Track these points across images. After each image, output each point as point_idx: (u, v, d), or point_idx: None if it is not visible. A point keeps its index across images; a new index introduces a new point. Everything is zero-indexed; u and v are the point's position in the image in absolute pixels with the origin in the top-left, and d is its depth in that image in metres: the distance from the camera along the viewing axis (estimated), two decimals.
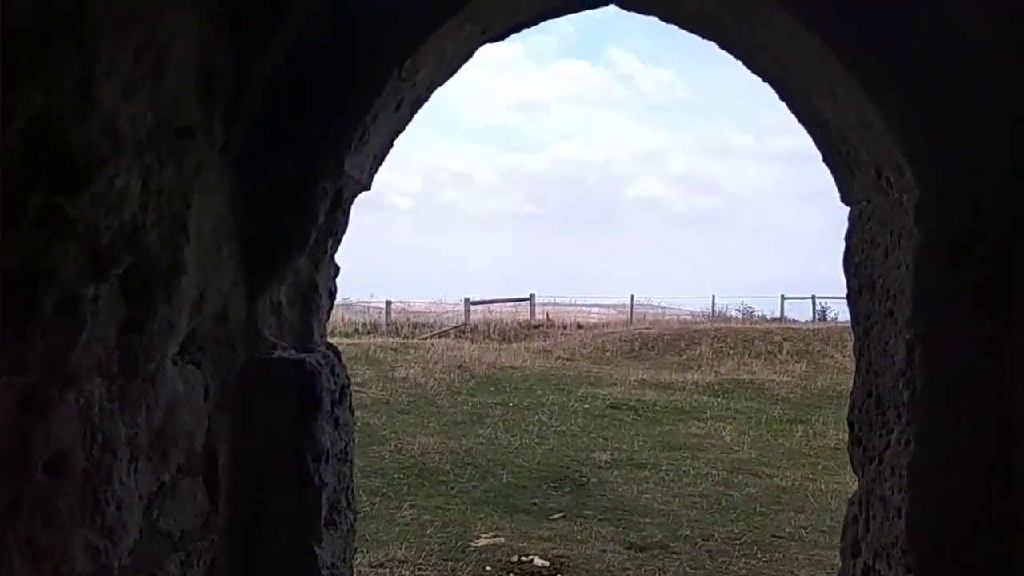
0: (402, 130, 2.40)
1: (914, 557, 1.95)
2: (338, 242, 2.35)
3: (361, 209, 2.43)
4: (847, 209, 2.45)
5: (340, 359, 2.31)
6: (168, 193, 1.58)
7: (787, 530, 7.60)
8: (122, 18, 1.31)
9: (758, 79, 2.38)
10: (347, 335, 21.23)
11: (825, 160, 2.41)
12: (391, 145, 2.42)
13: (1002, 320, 1.94)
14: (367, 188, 2.41)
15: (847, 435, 2.44)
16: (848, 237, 2.40)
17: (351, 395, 2.39)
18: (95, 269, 1.40)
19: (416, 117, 2.41)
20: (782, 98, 2.36)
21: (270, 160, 2.02)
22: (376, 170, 2.42)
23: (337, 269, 2.43)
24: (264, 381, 2.03)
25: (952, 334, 1.97)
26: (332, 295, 2.39)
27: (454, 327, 23.96)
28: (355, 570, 6.16)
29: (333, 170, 2.09)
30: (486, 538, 7.22)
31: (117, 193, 1.41)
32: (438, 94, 2.38)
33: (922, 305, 1.98)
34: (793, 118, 2.44)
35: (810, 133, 2.41)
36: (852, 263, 2.35)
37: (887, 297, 2.12)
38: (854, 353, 2.37)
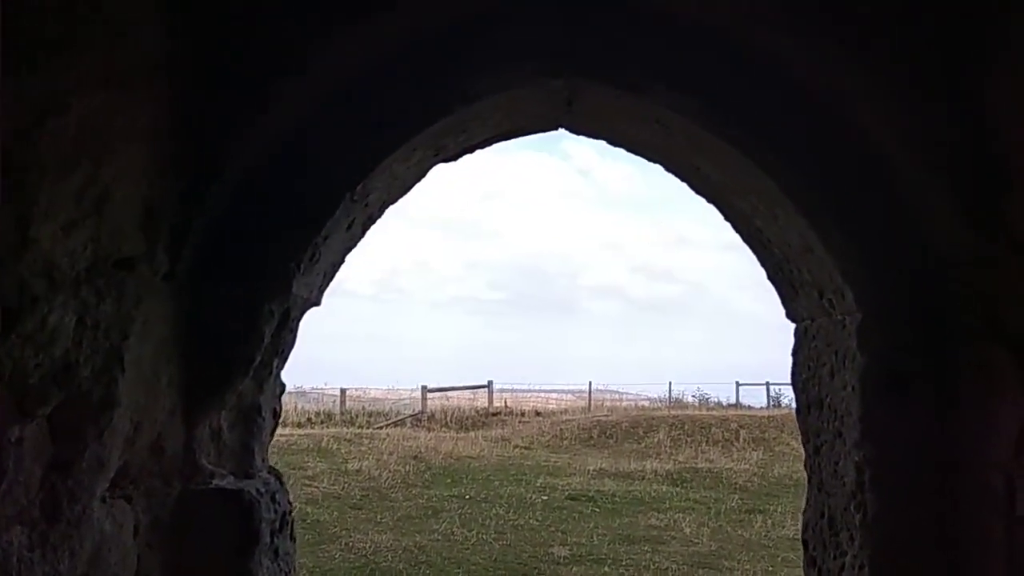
0: (354, 247, 2.40)
1: None
2: (284, 360, 2.30)
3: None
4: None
5: (282, 483, 2.23)
6: (105, 327, 1.54)
7: None
8: (67, 159, 1.30)
9: None
10: (299, 424, 20.72)
11: (770, 278, 2.47)
12: (343, 261, 2.41)
13: (949, 441, 1.96)
14: (316, 304, 2.38)
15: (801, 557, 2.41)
16: (795, 353, 2.44)
17: (293, 522, 2.30)
18: (21, 410, 1.34)
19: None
20: (727, 219, 2.43)
21: (216, 285, 1.99)
22: (326, 286, 2.40)
23: (282, 387, 2.37)
24: (200, 514, 1.94)
25: (901, 457, 1.98)
26: (276, 414, 2.33)
27: (410, 415, 23.59)
28: None
29: (280, 292, 2.06)
30: None
31: (50, 331, 1.36)
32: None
33: (870, 428, 2.00)
34: None
35: (754, 252, 2.47)
36: (800, 379, 2.38)
37: (835, 417, 2.14)
38: (805, 469, 2.37)
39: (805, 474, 2.46)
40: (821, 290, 2.17)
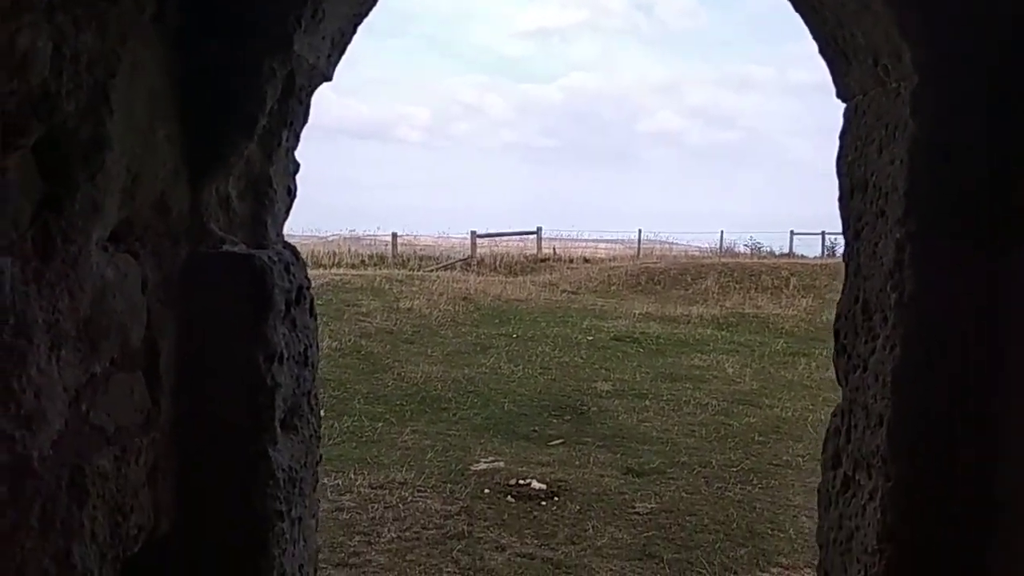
0: (365, 15, 2.23)
1: (895, 466, 1.86)
2: (296, 135, 2.21)
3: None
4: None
5: (298, 258, 2.20)
6: (87, 61, 1.44)
7: (784, 458, 7.64)
8: None
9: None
10: (353, 266, 21.26)
11: (821, 51, 2.23)
12: (353, 31, 2.26)
13: (1000, 216, 1.79)
14: (327, 78, 2.25)
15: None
16: (842, 135, 2.24)
17: (312, 298, 2.29)
18: (1, 139, 1.28)
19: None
20: None
21: (211, 39, 1.87)
22: (337, 59, 2.26)
23: (297, 166, 2.30)
24: (210, 276, 1.92)
25: (946, 232, 1.83)
26: (292, 193, 2.26)
27: (460, 260, 23.91)
28: (357, 490, 6.30)
29: (281, 48, 1.93)
30: (485, 462, 7.30)
31: (20, 54, 1.27)
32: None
33: (915, 202, 1.84)
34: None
35: (806, 22, 2.23)
36: (845, 163, 2.20)
37: (879, 195, 1.98)
38: (844, 259, 2.24)
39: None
40: (876, 55, 1.95)
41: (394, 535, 5.54)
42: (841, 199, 2.24)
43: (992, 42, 1.77)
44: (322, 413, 9.14)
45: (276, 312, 1.99)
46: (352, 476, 6.62)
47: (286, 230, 2.37)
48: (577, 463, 7.29)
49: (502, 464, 7.18)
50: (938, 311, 1.84)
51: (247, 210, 2.06)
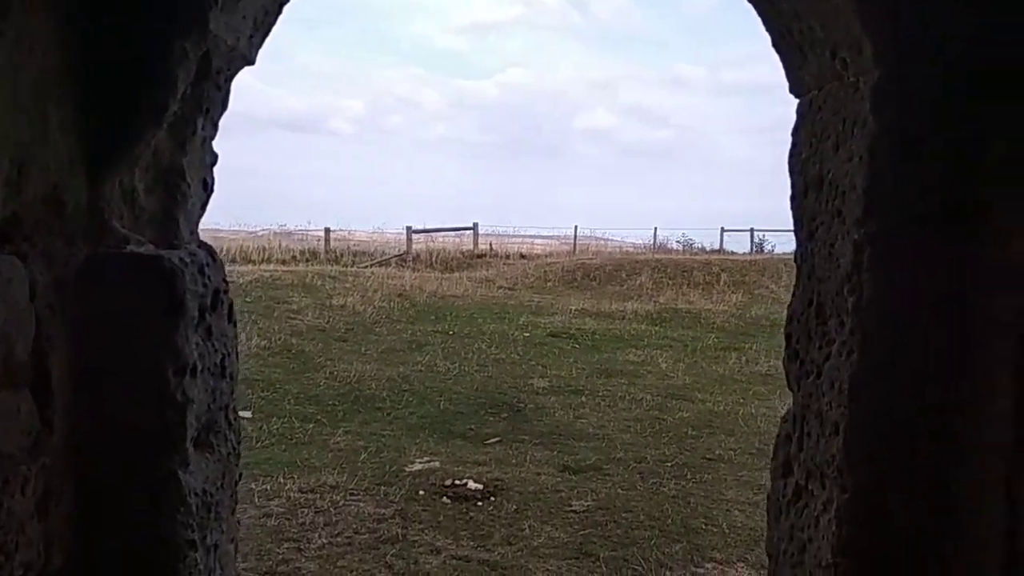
0: None
1: (851, 476, 1.79)
2: (213, 123, 2.01)
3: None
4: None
5: (215, 259, 2.00)
6: None
7: (717, 452, 7.72)
8: None
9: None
10: (283, 262, 20.71)
11: (775, 44, 2.15)
12: (278, 11, 2.06)
13: (965, 212, 1.74)
14: (249, 61, 2.05)
15: (783, 353, 2.26)
16: (796, 131, 2.17)
17: (231, 303, 2.09)
18: None
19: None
20: None
21: (116, 10, 1.66)
22: (260, 41, 2.06)
23: (215, 157, 2.09)
24: (111, 280, 1.71)
25: (907, 233, 1.76)
26: (208, 187, 2.06)
27: (395, 256, 23.59)
28: (286, 494, 6.06)
29: (195, 27, 1.73)
30: (420, 463, 7.14)
31: None
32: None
33: (874, 201, 1.77)
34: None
35: (761, 14, 2.14)
36: (798, 160, 2.12)
37: (836, 194, 1.91)
38: (795, 261, 2.16)
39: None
40: (835, 48, 1.87)
41: (325, 541, 5.34)
42: (794, 198, 2.16)
43: (952, 36, 1.71)
44: (250, 415, 8.78)
45: (188, 319, 1.79)
46: (281, 480, 6.37)
47: (211, 225, 2.17)
48: (514, 462, 7.20)
49: (438, 464, 7.04)
50: (898, 315, 1.78)
51: (156, 205, 1.85)
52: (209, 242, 2.08)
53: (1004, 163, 1.69)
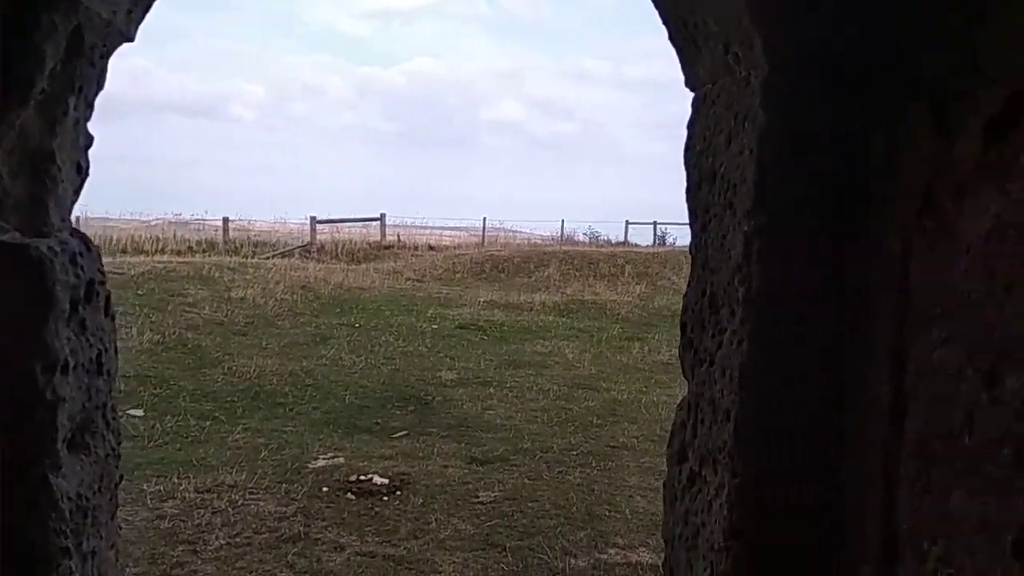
0: None
1: (741, 461, 1.84)
2: (88, 103, 1.87)
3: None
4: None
5: (90, 248, 1.86)
6: None
7: (621, 440, 7.91)
8: None
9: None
10: (179, 253, 19.87)
11: (671, 38, 2.19)
12: None
13: (850, 205, 1.81)
14: (128, 38, 1.93)
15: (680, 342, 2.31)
16: (691, 125, 2.21)
17: (109, 295, 1.96)
18: None
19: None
20: None
21: None
22: (140, 17, 1.93)
23: (90, 139, 1.95)
24: None
25: (795, 224, 1.83)
26: (83, 171, 1.92)
27: (299, 247, 22.99)
28: (181, 495, 5.81)
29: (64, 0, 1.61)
30: (324, 459, 7.01)
31: None
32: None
33: (763, 194, 1.82)
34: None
35: (658, 7, 2.17)
36: (693, 153, 2.17)
37: (727, 187, 1.96)
38: (690, 252, 2.21)
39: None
40: (727, 43, 1.91)
41: (223, 542, 5.16)
42: (689, 190, 2.21)
43: (840, 34, 1.78)
44: (141, 413, 8.39)
45: (59, 312, 1.66)
46: (176, 480, 6.12)
47: (100, 214, 2.02)
48: (421, 455, 7.16)
49: (342, 460, 6.92)
50: (786, 306, 1.84)
51: (22, 190, 1.71)
52: (98, 232, 1.94)
53: (885, 158, 1.77)
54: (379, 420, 8.36)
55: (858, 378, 1.80)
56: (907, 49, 1.70)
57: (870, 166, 1.76)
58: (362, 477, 6.49)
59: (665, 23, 2.15)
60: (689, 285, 2.19)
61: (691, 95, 2.26)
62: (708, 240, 2.08)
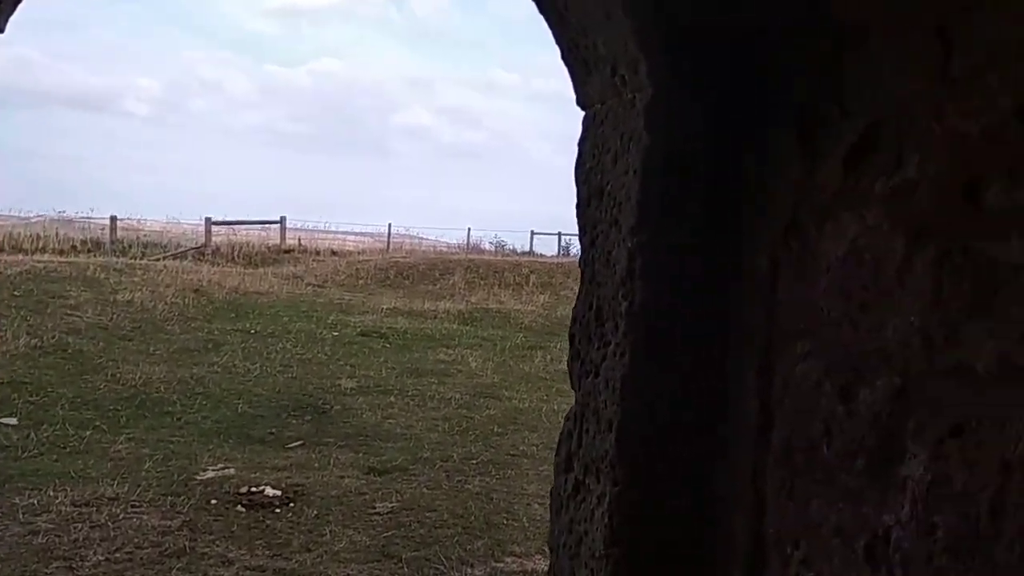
0: None
1: (622, 470, 1.90)
2: None
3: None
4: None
5: None
6: None
7: (521, 448, 7.98)
8: None
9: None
10: (61, 252, 18.79)
11: (564, 58, 2.24)
12: None
13: (725, 225, 1.90)
14: None
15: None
16: (581, 143, 2.27)
17: None
18: None
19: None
20: None
21: None
22: (9, 9, 1.82)
23: None
24: None
25: (673, 245, 1.90)
26: None
27: (193, 248, 22.11)
28: (57, 508, 5.46)
29: None
30: (213, 470, 6.77)
31: None
32: None
33: (646, 213, 1.89)
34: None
35: (551, 27, 2.22)
36: (583, 170, 2.23)
37: (614, 204, 2.02)
38: (580, 266, 2.27)
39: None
40: (615, 65, 1.98)
41: (101, 558, 4.90)
42: (578, 206, 2.26)
43: (722, 64, 1.87)
44: (15, 422, 7.88)
45: None
46: (51, 493, 5.78)
47: None
48: (316, 465, 7.00)
49: (233, 471, 6.69)
50: (666, 320, 1.91)
51: None
52: None
53: (756, 180, 1.87)
54: (273, 430, 8.13)
55: (731, 390, 1.89)
56: (779, 75, 1.80)
57: (743, 187, 1.86)
58: (253, 489, 6.29)
59: (558, 43, 2.21)
60: (578, 298, 2.25)
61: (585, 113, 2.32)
62: (596, 255, 2.13)
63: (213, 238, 22.73)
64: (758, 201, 1.83)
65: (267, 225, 26.02)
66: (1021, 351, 1.20)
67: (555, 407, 9.57)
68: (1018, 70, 1.25)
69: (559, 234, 31.08)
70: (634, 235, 1.90)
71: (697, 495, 1.96)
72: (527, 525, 5.92)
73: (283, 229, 25.70)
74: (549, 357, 12.71)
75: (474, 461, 7.39)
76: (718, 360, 1.95)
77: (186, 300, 13.90)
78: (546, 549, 5.54)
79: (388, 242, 28.51)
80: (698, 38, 1.86)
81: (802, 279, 1.66)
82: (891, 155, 1.45)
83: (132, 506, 5.76)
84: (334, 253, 23.64)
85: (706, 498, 1.94)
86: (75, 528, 5.27)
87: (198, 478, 6.47)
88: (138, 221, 26.65)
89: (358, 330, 13.42)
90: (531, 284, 19.27)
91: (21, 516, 5.37)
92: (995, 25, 1.32)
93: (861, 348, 1.50)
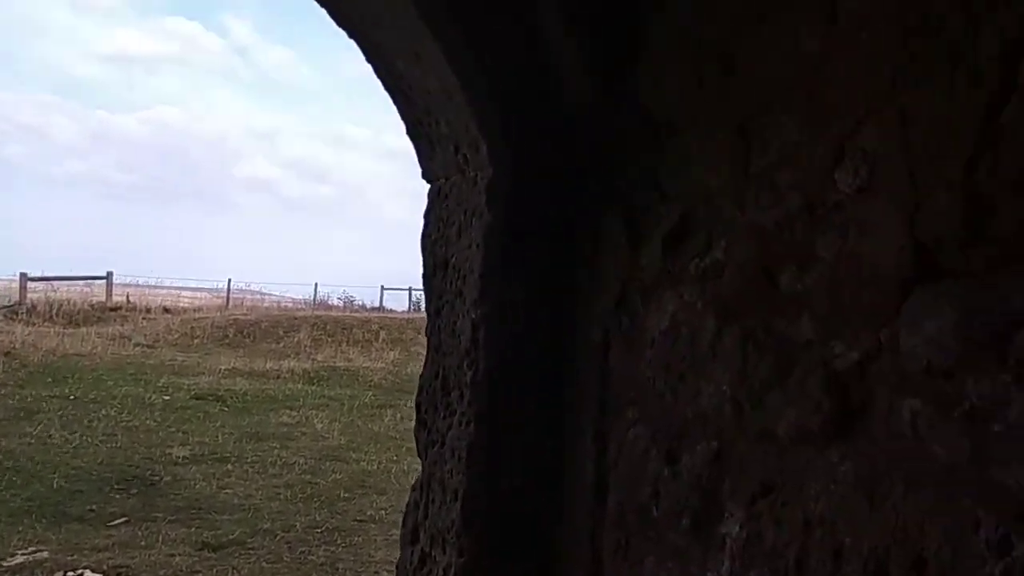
0: None
1: (467, 540, 1.92)
2: None
3: None
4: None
5: None
6: None
7: (368, 513, 7.77)
8: None
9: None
10: None
11: (409, 134, 2.31)
12: None
13: (562, 299, 2.02)
14: None
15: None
16: (427, 215, 2.33)
17: None
18: None
19: None
20: (368, 58, 2.19)
21: None
22: None
23: None
24: None
25: (515, 317, 1.99)
26: None
27: (4, 307, 20.09)
28: None
29: None
30: (23, 554, 6.11)
31: None
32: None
33: (488, 286, 1.97)
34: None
35: (397, 105, 2.29)
36: (429, 241, 2.29)
37: (458, 276, 2.09)
38: (426, 335, 2.31)
39: None
40: (457, 144, 2.07)
41: None
42: (425, 276, 2.31)
43: (556, 144, 2.00)
44: None
45: None
46: None
47: None
48: (143, 544, 6.49)
49: (46, 554, 6.07)
50: (509, 389, 1.98)
51: None
52: None
53: (590, 257, 2.00)
54: (94, 506, 7.47)
55: (570, 454, 1.98)
56: (607, 162, 1.96)
57: (578, 263, 1.99)
58: (70, 573, 5.74)
59: (403, 119, 2.28)
60: (425, 366, 2.28)
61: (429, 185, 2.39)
62: (441, 324, 2.18)
63: (29, 295, 20.80)
64: (592, 277, 1.96)
65: (91, 281, 24.14)
66: (815, 419, 1.36)
67: (405, 467, 9.42)
68: (808, 171, 1.44)
69: (410, 289, 30.93)
70: (477, 307, 1.97)
71: (541, 557, 2.01)
72: None
73: (109, 285, 23.91)
74: (399, 415, 12.52)
75: (318, 530, 7.12)
76: (558, 424, 2.04)
77: None
78: None
79: (228, 298, 27.21)
80: (533, 122, 1.99)
81: (631, 350, 1.79)
82: (703, 240, 1.62)
83: None
84: (167, 310, 22.27)
85: (548, 565, 2.00)
86: None
87: (5, 565, 5.82)
88: None
89: (192, 393, 12.68)
90: (381, 340, 19.00)
91: None
92: (786, 127, 1.51)
93: (682, 415, 1.63)
